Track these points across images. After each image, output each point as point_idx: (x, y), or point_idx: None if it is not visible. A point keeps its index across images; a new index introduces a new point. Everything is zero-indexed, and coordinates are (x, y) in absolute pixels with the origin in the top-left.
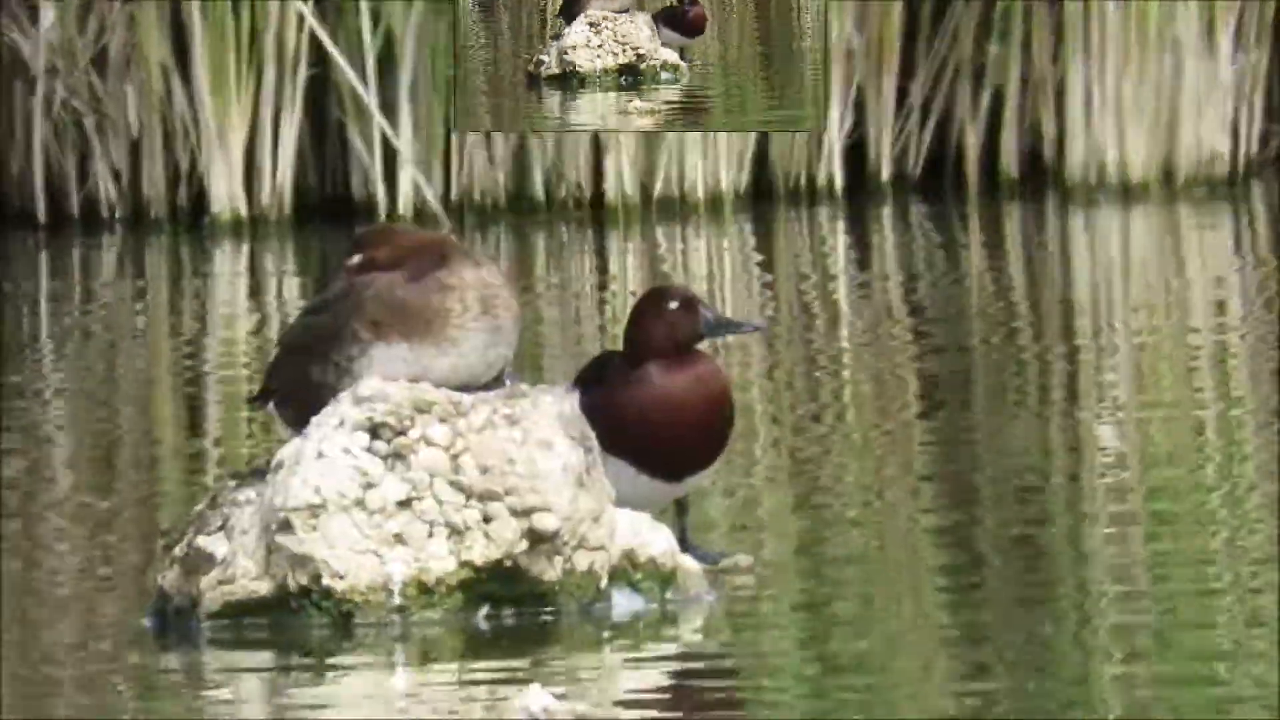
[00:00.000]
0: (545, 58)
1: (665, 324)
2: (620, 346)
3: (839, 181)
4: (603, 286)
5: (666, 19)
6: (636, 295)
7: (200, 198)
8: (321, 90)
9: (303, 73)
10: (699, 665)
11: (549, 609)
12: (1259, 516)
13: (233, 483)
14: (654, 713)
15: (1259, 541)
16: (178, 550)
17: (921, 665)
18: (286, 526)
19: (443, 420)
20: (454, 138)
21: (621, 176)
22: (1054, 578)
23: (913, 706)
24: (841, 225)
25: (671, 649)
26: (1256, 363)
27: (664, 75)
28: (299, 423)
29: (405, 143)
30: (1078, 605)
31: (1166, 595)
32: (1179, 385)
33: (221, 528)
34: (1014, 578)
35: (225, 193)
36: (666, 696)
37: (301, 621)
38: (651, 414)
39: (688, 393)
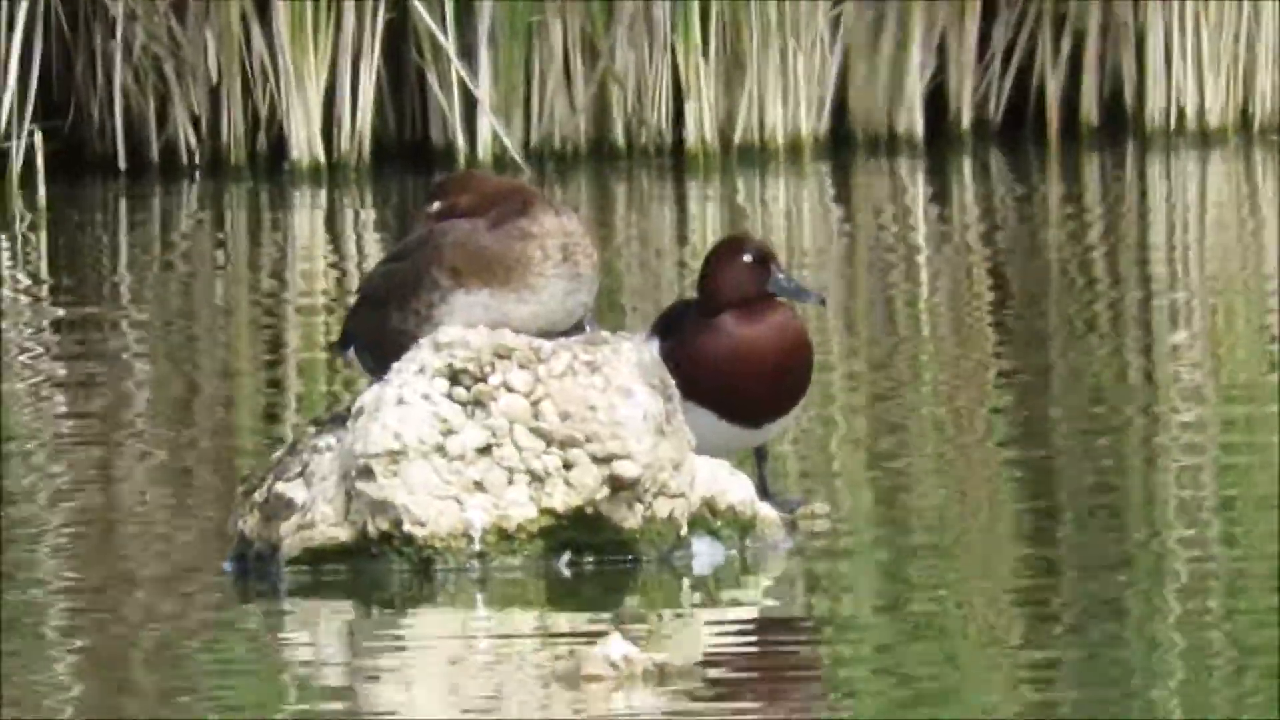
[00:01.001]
0: None
1: (736, 275)
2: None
3: (919, 129)
4: (683, 233)
5: None
6: (713, 242)
7: (279, 144)
8: (400, 36)
9: (381, 18)
10: (778, 614)
11: (629, 556)
12: None
13: (312, 429)
14: (733, 660)
15: None
16: (257, 496)
17: (998, 614)
18: (367, 473)
19: (523, 367)
20: (534, 84)
21: (702, 123)
22: (1131, 523)
23: (989, 656)
24: (921, 172)
25: (750, 597)
26: None
27: None
28: (379, 369)
29: (484, 89)
30: (1156, 555)
31: (1240, 539)
32: (1253, 329)
33: (301, 474)
34: (1092, 523)
35: (304, 139)
36: (745, 645)
37: (381, 567)
38: (730, 361)
39: (766, 339)
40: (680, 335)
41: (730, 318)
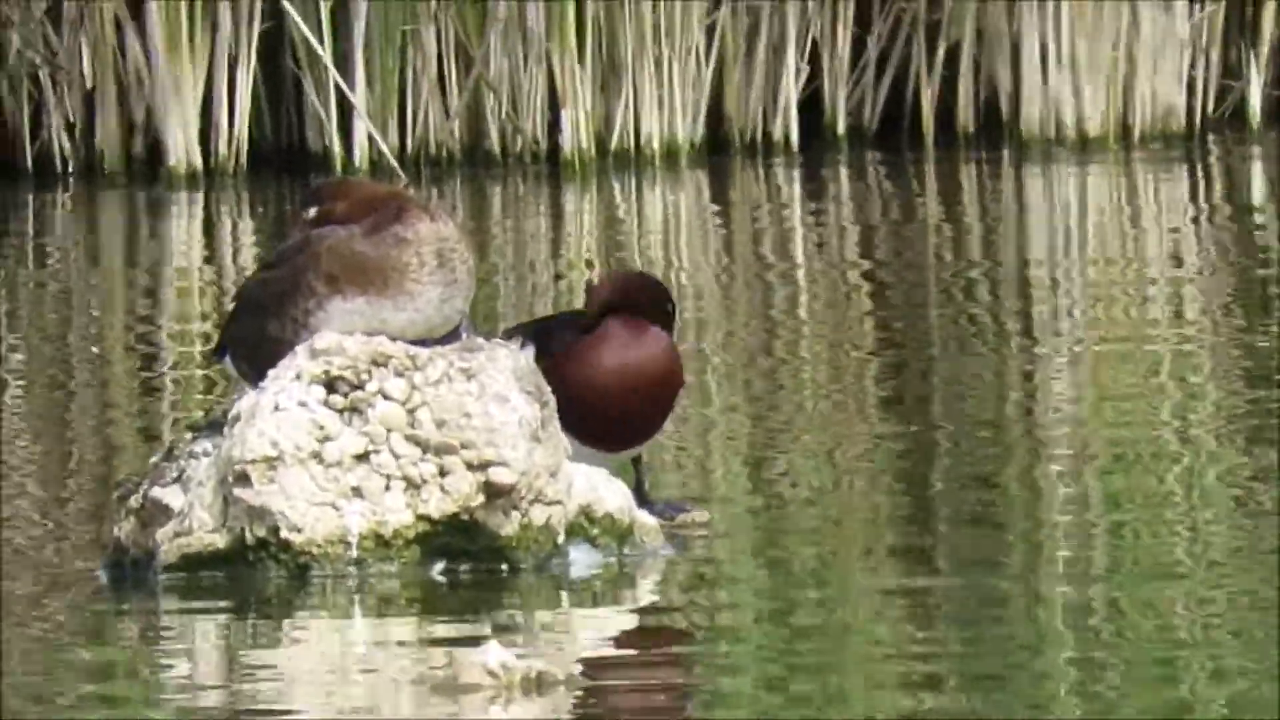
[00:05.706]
0: None
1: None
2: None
3: (794, 135)
4: (558, 240)
5: None
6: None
7: (155, 150)
8: (276, 43)
9: (257, 25)
10: (656, 621)
11: (505, 564)
12: (1211, 453)
13: (189, 435)
14: (611, 668)
15: (1210, 477)
16: (133, 502)
17: (878, 621)
18: (243, 479)
19: (399, 374)
20: (409, 90)
21: (578, 129)
22: (1011, 528)
23: (869, 663)
24: (797, 178)
25: (628, 604)
26: (1210, 310)
27: None
28: (256, 377)
29: (360, 95)
30: (1033, 559)
31: (1120, 532)
32: (1135, 331)
33: (178, 479)
34: (972, 529)
35: (181, 145)
36: (624, 652)
37: (258, 574)
38: (591, 393)
39: (633, 374)
40: (553, 355)
41: (603, 346)
